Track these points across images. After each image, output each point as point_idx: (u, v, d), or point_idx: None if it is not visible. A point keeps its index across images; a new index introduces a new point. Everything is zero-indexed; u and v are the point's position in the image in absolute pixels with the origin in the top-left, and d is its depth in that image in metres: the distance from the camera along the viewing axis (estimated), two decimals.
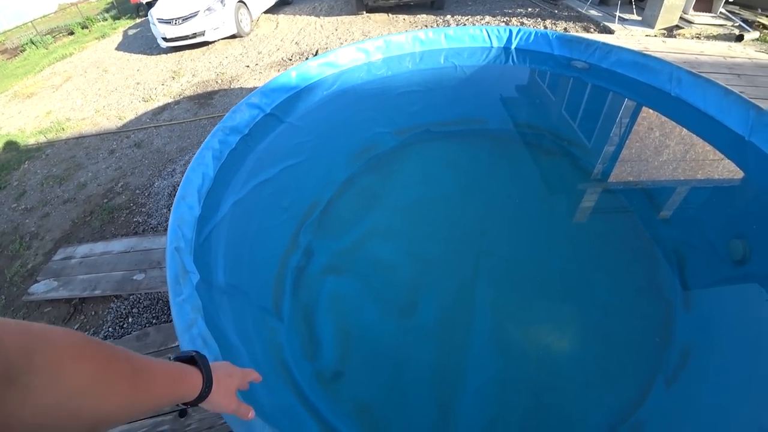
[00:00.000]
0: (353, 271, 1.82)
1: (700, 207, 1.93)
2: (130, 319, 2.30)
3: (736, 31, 4.69)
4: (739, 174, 1.85)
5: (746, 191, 1.85)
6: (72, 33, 9.93)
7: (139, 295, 2.39)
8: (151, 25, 6.21)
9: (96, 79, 6.16)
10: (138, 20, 9.55)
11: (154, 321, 2.26)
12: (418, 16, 6.32)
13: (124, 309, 2.35)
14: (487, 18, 5.79)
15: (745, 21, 4.90)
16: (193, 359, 0.60)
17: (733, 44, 3.86)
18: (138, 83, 5.62)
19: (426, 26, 5.94)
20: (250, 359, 1.36)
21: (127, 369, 0.44)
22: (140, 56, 6.72)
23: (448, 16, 6.09)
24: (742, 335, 1.45)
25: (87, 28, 10.03)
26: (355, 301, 1.71)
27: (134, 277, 2.41)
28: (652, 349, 1.51)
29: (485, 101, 2.56)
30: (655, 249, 1.80)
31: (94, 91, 5.71)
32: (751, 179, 1.81)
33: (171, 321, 1.24)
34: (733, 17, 4.95)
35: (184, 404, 0.57)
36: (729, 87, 1.94)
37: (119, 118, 4.75)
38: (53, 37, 9.91)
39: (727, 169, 1.91)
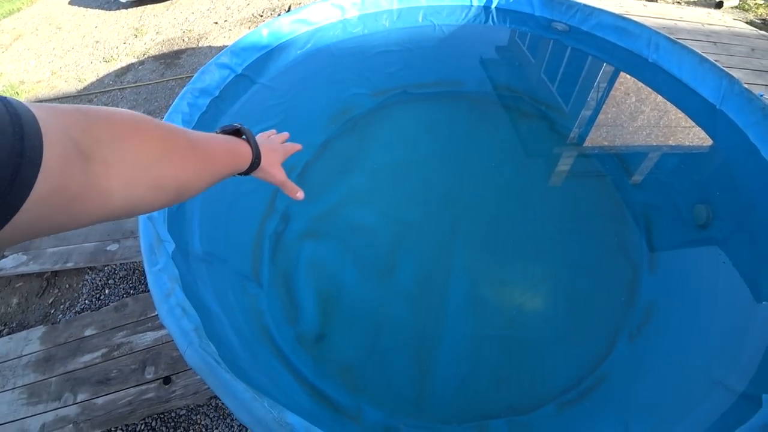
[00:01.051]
0: (332, 234, 1.83)
1: (668, 172, 2.00)
2: (106, 291, 2.25)
3: None
4: (707, 141, 1.91)
5: (713, 158, 1.92)
6: None
7: (114, 266, 2.33)
8: None
9: (49, 37, 5.67)
10: None
11: (131, 291, 2.22)
12: None
13: (100, 281, 2.30)
14: None
15: None
16: (238, 131, 0.61)
17: (712, 11, 3.87)
18: (97, 42, 5.21)
19: None
20: (231, 326, 1.37)
21: (186, 141, 0.45)
22: (97, 11, 6.19)
23: None
24: (700, 295, 1.55)
25: None
26: (334, 264, 1.73)
27: (108, 248, 2.35)
28: (618, 306, 1.60)
29: (464, 62, 2.50)
30: (624, 212, 1.87)
31: (49, 51, 5.27)
32: (718, 147, 1.87)
33: (149, 291, 1.22)
34: None
35: (239, 174, 0.61)
36: (705, 54, 1.96)
37: (79, 81, 4.43)
38: None
39: (697, 137, 1.96)
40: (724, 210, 1.71)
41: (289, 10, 5.01)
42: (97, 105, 3.88)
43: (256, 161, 0.61)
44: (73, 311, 2.19)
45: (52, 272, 2.37)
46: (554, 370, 1.50)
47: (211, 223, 1.58)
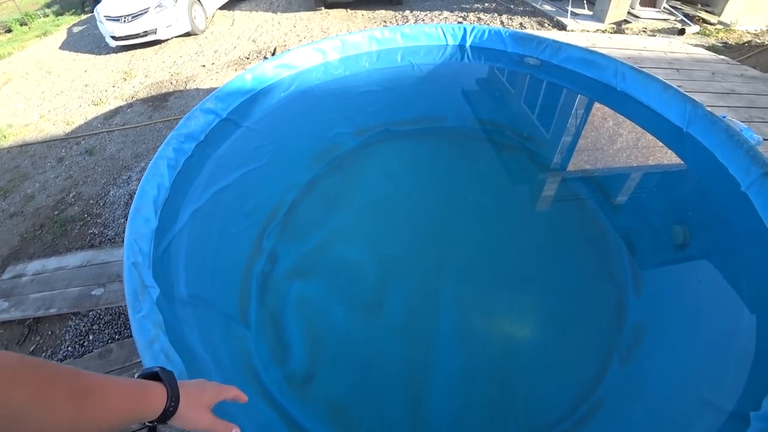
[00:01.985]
0: (319, 273, 1.83)
1: (645, 195, 2.06)
2: (90, 337, 2.20)
3: (679, 25, 5.00)
4: (678, 163, 1.98)
5: (685, 179, 1.99)
6: (10, 30, 9.20)
7: (98, 311, 2.29)
8: (98, 22, 5.86)
9: (39, 81, 5.77)
10: (83, 16, 8.97)
11: (116, 337, 2.17)
12: (377, 11, 6.32)
13: (84, 326, 2.25)
14: (445, 13, 5.87)
15: (686, 15, 5.23)
16: (156, 375, 0.58)
17: (673, 40, 4.12)
18: (86, 85, 5.31)
19: (385, 22, 5.95)
20: (217, 369, 1.34)
21: (72, 390, 0.42)
22: (87, 56, 6.34)
23: (407, 12, 6.12)
24: (685, 315, 1.56)
25: (26, 24, 9.32)
26: (322, 302, 1.72)
27: (92, 293, 2.31)
28: (607, 331, 1.60)
29: (443, 99, 2.61)
30: (606, 236, 1.91)
31: (38, 95, 5.34)
32: (689, 168, 1.94)
33: None
34: (675, 12, 5.26)
35: (150, 422, 0.56)
36: (668, 81, 2.07)
37: (67, 124, 4.48)
38: None
39: (669, 159, 2.04)
40: (700, 229, 1.77)
41: (274, 53, 5.20)
42: (85, 147, 3.91)
43: (171, 405, 0.56)
44: (56, 359, 2.12)
45: (34, 319, 2.31)
46: (548, 400, 1.48)
47: (197, 265, 1.58)
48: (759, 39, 4.75)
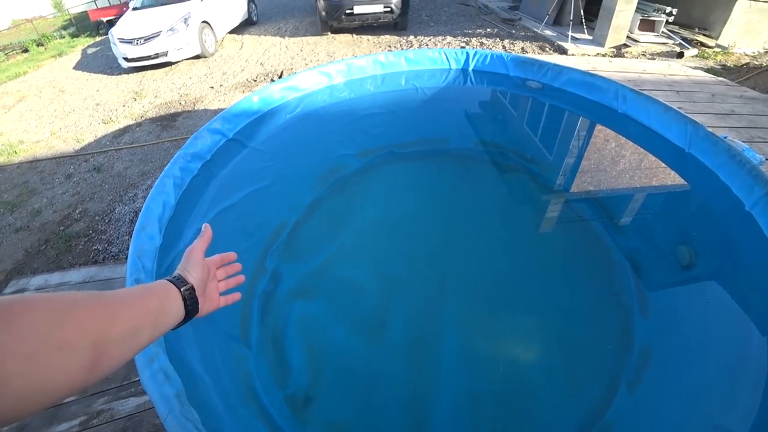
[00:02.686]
0: (322, 293, 1.82)
1: (649, 216, 2.05)
2: None
3: (677, 49, 5.10)
4: (681, 183, 1.99)
5: (688, 199, 1.99)
6: (26, 50, 9.53)
7: None
8: (111, 44, 6.06)
9: (52, 99, 5.92)
10: (98, 38, 9.29)
11: None
12: (382, 36, 6.50)
13: None
14: (449, 38, 6.02)
15: (684, 39, 5.34)
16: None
17: (672, 63, 4.19)
18: (97, 104, 5.44)
19: (390, 47, 6.10)
20: (217, 390, 1.32)
21: (88, 294, 0.42)
22: (100, 76, 6.52)
23: (411, 37, 6.29)
24: (693, 336, 1.54)
25: (43, 45, 9.65)
26: (324, 323, 1.70)
27: None
28: (614, 353, 1.57)
29: (446, 122, 2.65)
30: (611, 257, 1.90)
31: (50, 113, 5.47)
32: (692, 188, 1.95)
33: None
34: (673, 36, 5.37)
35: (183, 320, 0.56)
36: (669, 103, 2.10)
37: (77, 141, 4.57)
38: (6, 54, 9.47)
39: (672, 180, 2.04)
40: (705, 249, 1.75)
41: (281, 76, 5.33)
42: (93, 164, 3.96)
43: (191, 292, 0.57)
44: None
45: None
46: (555, 424, 1.44)
47: None
48: (757, 61, 4.82)
